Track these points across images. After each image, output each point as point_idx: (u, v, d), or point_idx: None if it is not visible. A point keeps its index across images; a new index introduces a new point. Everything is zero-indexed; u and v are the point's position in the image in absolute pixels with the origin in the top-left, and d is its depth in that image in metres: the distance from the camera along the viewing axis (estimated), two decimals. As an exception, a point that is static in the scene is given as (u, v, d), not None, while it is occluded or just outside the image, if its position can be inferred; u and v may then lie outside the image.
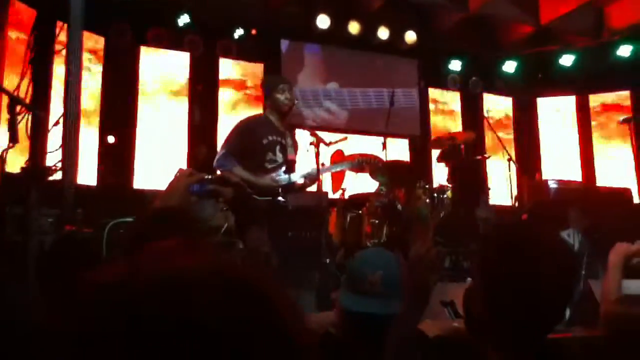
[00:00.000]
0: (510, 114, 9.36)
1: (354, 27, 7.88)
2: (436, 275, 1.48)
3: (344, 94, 8.28)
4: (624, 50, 8.09)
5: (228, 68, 7.80)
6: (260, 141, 4.13)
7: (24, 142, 2.94)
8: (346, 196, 6.45)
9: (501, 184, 7.63)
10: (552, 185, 6.86)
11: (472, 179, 6.83)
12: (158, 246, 0.61)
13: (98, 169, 6.72)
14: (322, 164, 4.44)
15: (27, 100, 3.63)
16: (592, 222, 5.35)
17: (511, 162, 6.17)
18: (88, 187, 6.48)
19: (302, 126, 4.57)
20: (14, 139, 2.66)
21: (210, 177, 1.71)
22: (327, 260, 4.41)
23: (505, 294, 1.27)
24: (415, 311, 1.48)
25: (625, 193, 6.87)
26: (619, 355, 2.00)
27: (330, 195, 6.48)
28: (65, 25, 4.49)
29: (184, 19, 7.22)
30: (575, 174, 8.73)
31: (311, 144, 4.22)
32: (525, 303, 1.28)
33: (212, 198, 1.71)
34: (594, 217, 5.44)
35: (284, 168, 4.20)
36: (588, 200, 6.34)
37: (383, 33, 8.05)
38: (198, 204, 1.72)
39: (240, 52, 7.72)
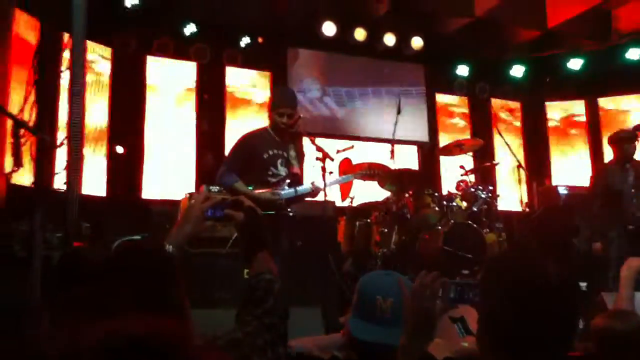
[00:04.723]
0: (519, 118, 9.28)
1: (360, 34, 7.87)
2: (443, 306, 1.45)
3: (354, 93, 8.25)
4: (633, 53, 8.05)
5: (235, 76, 7.79)
6: (261, 156, 4.13)
7: (28, 164, 2.94)
8: (354, 204, 6.42)
9: (511, 190, 7.59)
10: (562, 191, 6.80)
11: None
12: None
13: (107, 180, 6.73)
14: (331, 172, 4.41)
15: (32, 123, 3.62)
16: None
17: (520, 168, 6.11)
18: (98, 198, 6.50)
19: (309, 136, 4.50)
20: (18, 163, 2.67)
21: (225, 199, 1.69)
22: (335, 275, 4.37)
23: (509, 330, 1.25)
24: (418, 341, 1.45)
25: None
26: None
27: (339, 204, 6.44)
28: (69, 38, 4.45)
29: (190, 28, 7.22)
30: (586, 180, 8.59)
31: (317, 159, 4.19)
32: (528, 336, 1.25)
33: (227, 222, 1.68)
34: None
35: (288, 181, 4.19)
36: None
37: (389, 39, 8.03)
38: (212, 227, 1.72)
39: (247, 60, 7.73)
